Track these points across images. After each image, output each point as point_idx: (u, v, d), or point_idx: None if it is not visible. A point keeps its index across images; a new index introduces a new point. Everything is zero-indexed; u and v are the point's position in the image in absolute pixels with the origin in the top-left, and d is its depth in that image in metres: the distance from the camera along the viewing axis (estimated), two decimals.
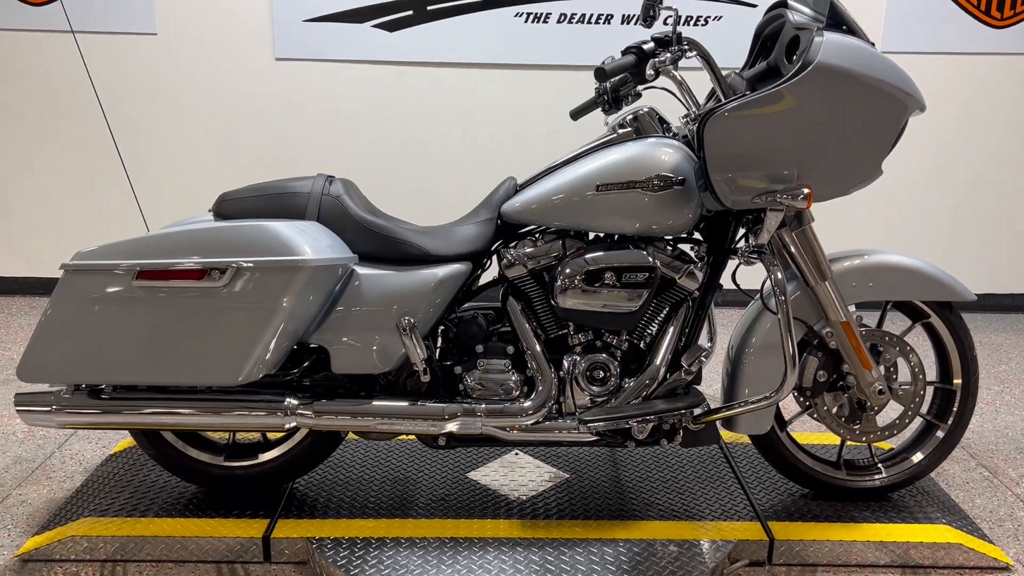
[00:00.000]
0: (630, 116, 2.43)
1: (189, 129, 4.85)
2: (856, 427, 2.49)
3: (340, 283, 2.31)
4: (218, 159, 4.90)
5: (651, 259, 2.30)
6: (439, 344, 2.48)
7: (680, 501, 2.57)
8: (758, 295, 2.57)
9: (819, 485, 2.56)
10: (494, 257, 2.47)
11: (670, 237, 2.43)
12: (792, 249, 2.37)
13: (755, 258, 2.30)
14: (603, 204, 2.29)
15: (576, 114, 2.64)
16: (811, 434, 3.07)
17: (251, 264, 2.14)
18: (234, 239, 2.16)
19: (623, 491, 2.62)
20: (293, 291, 2.16)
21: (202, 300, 2.16)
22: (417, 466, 2.77)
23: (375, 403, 2.35)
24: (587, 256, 2.31)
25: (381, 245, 2.35)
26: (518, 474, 2.72)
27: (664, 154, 2.27)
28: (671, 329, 2.38)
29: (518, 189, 2.43)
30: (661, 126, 2.43)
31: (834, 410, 2.49)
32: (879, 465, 2.58)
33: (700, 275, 2.36)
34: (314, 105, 4.81)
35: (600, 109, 2.56)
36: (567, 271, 2.30)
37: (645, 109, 2.40)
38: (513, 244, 2.43)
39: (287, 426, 2.33)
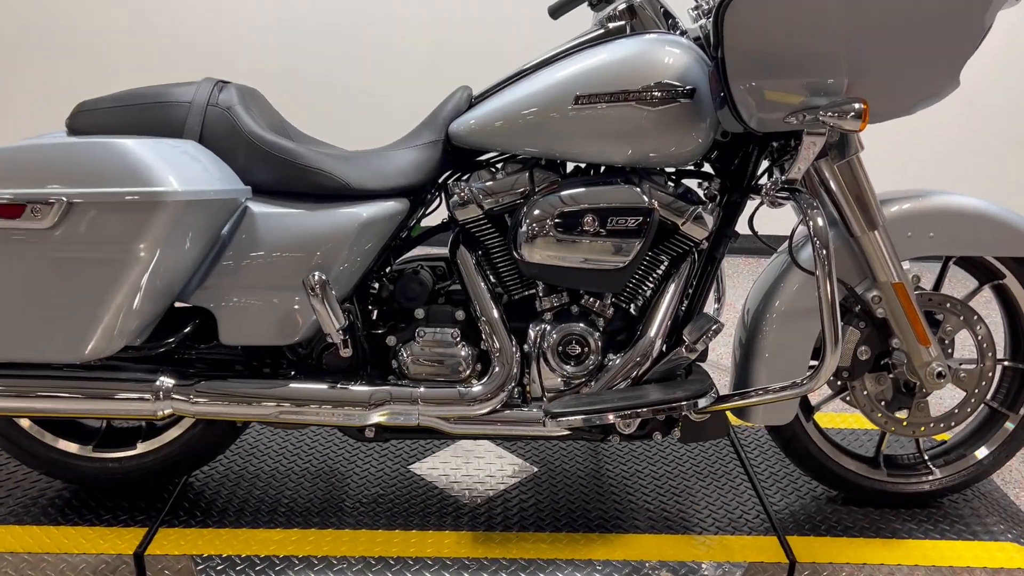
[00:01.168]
0: (623, 6, 1.82)
1: (47, 30, 4.12)
2: (903, 417, 1.95)
3: (227, 225, 1.72)
4: (89, 66, 4.14)
5: (647, 198, 1.71)
6: (369, 308, 1.90)
7: (676, 506, 2.03)
8: (784, 246, 1.99)
9: (852, 487, 2.03)
10: (440, 193, 1.89)
11: (672, 169, 1.84)
12: (833, 186, 1.78)
13: (784, 198, 1.72)
14: (584, 123, 1.70)
15: (556, 10, 2.04)
16: (832, 415, 2.52)
17: (86, 197, 1.54)
18: (65, 162, 1.55)
19: (604, 492, 2.08)
20: (152, 236, 1.57)
21: (24, 247, 1.57)
22: (346, 456, 2.21)
23: (277, 386, 1.78)
24: (562, 193, 1.72)
25: (285, 175, 1.75)
26: (474, 467, 2.17)
27: (667, 54, 1.67)
28: (670, 291, 1.81)
29: (473, 102, 1.83)
30: (665, 21, 1.82)
31: (876, 395, 1.93)
32: (929, 463, 2.04)
33: (710, 220, 1.78)
34: None
35: (587, 3, 1.96)
36: (535, 213, 1.72)
37: None
38: (465, 176, 1.85)
39: (159, 413, 1.76)
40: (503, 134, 1.75)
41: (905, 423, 1.95)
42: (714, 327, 1.73)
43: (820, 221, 1.65)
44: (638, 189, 1.72)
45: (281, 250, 1.72)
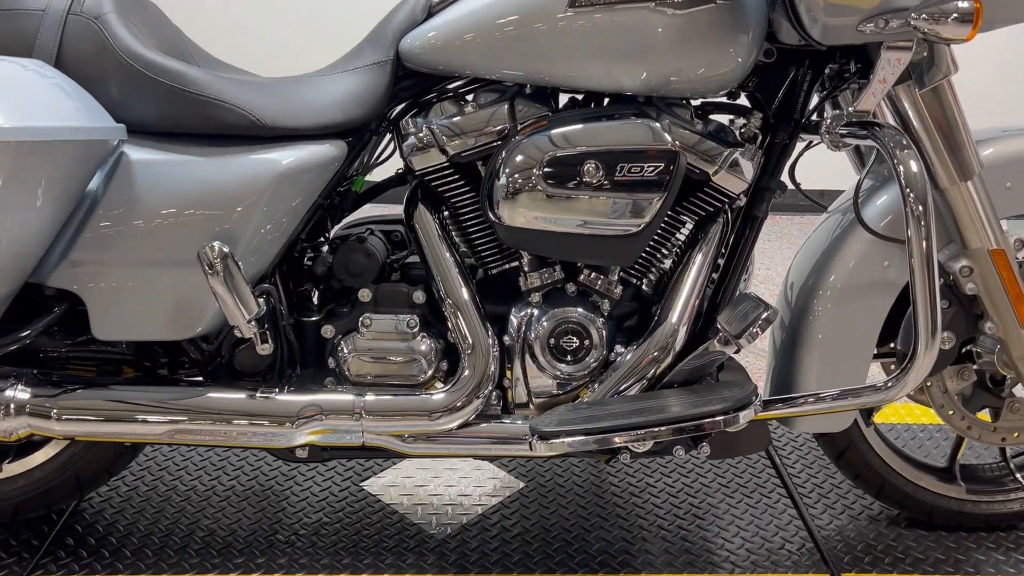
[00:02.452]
0: None
1: None
2: (994, 422, 1.52)
3: (95, 179, 1.26)
4: None
5: (669, 137, 1.26)
6: (299, 288, 1.45)
7: (699, 534, 1.60)
8: (838, 202, 1.56)
9: (921, 507, 1.60)
10: (391, 133, 1.43)
11: (698, 101, 1.39)
12: (914, 122, 1.34)
13: (855, 136, 1.28)
14: (584, 34, 1.25)
15: None
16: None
17: None
18: None
19: (608, 515, 1.64)
20: None
21: None
22: (283, 472, 1.77)
23: (172, 395, 1.33)
24: (554, 132, 1.27)
25: (174, 109, 1.28)
26: (444, 483, 1.73)
27: None
28: (697, 262, 1.36)
29: (434, 9, 1.36)
30: None
31: (957, 392, 1.51)
32: (1018, 475, 1.62)
33: (749, 167, 1.34)
34: None
35: None
36: (518, 160, 1.27)
37: None
38: (423, 110, 1.39)
39: (12, 435, 1.31)
40: (473, 52, 1.29)
41: (994, 428, 1.52)
42: (764, 315, 1.27)
43: (914, 166, 1.19)
44: (657, 125, 1.26)
45: (169, 212, 1.26)
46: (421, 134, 1.33)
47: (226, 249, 1.22)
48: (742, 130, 1.38)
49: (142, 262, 1.27)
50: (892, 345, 1.51)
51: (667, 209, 1.28)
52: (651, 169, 1.24)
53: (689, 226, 1.39)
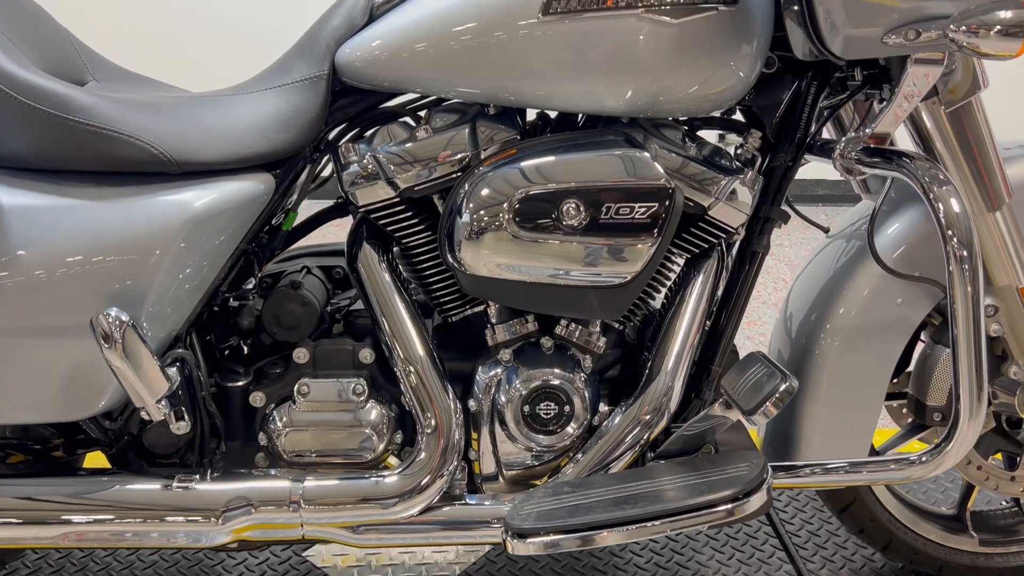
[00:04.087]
0: None
1: None
2: (1011, 471, 1.37)
3: None
4: None
5: (662, 171, 1.06)
6: (221, 346, 1.21)
7: None
8: (845, 227, 1.39)
9: (929, 561, 1.45)
10: (328, 158, 1.20)
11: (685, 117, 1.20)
12: (937, 144, 1.16)
13: (873, 165, 1.09)
14: (559, 46, 1.04)
15: None
16: None
17: None
18: None
19: (582, 571, 1.46)
20: None
21: None
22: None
23: (65, 486, 1.09)
24: (525, 164, 1.06)
25: (58, 141, 1.04)
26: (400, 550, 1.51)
27: None
28: (690, 306, 1.17)
29: (374, 13, 1.14)
30: None
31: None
32: None
33: (749, 196, 1.15)
34: None
35: None
36: (482, 195, 1.05)
37: None
38: (366, 132, 1.16)
39: None
40: (426, 65, 1.07)
41: (1012, 477, 1.37)
42: (782, 387, 1.07)
43: (956, 205, 1.01)
44: (648, 156, 1.05)
45: (52, 269, 1.02)
46: (365, 163, 1.11)
47: (124, 317, 0.98)
48: (739, 151, 1.19)
49: (21, 330, 1.03)
50: (895, 380, 1.35)
51: (662, 255, 1.08)
52: (643, 210, 1.04)
53: (680, 264, 1.20)
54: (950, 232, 1.01)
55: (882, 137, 1.11)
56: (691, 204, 1.13)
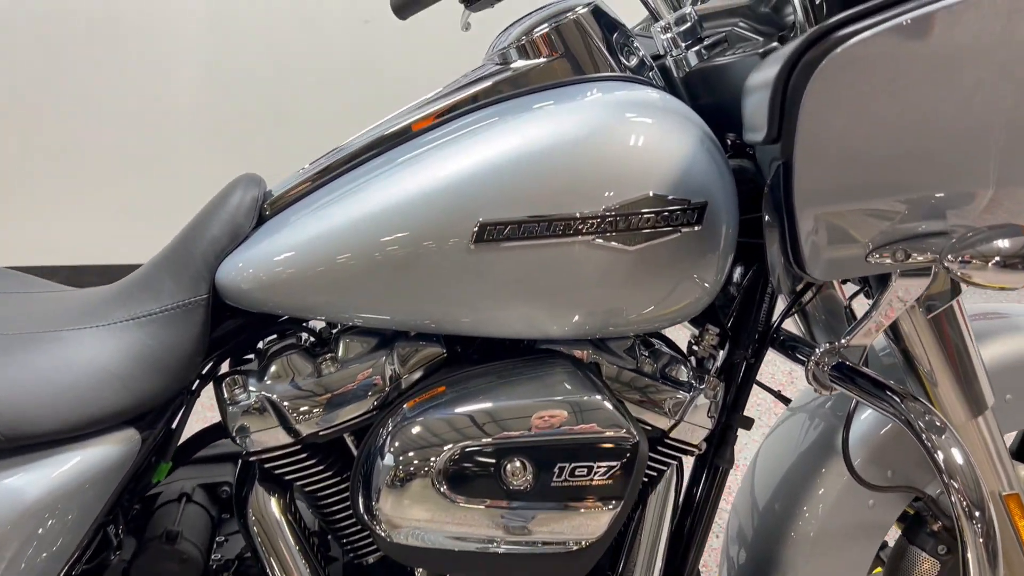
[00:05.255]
0: (542, 28, 0.97)
1: None
2: None
3: None
4: None
5: (623, 419, 0.89)
6: None
7: None
8: (805, 399, 1.26)
9: None
10: (210, 386, 0.99)
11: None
12: (915, 350, 1.04)
13: (845, 385, 0.96)
14: (494, 275, 0.86)
15: (402, 6, 1.20)
16: None
17: None
18: None
19: None
20: None
21: None
22: None
23: None
24: (456, 413, 0.87)
25: None
26: None
27: (656, 136, 0.86)
28: (648, 533, 1.01)
29: (263, 216, 0.94)
30: (617, 51, 0.99)
31: None
32: None
33: (712, 407, 0.99)
34: None
35: None
36: (404, 452, 0.86)
37: (579, 8, 0.97)
38: (257, 360, 0.96)
39: None
40: (333, 289, 0.88)
41: None
42: None
43: (959, 456, 0.88)
44: (607, 403, 0.88)
45: None
46: (256, 403, 0.90)
47: None
48: (694, 347, 1.04)
49: None
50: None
51: (624, 518, 0.90)
52: (603, 469, 0.87)
53: (638, 499, 1.04)
54: (955, 484, 0.88)
55: (858, 350, 0.97)
56: (649, 428, 0.97)
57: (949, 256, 0.83)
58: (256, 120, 3.13)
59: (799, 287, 1.04)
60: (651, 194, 0.84)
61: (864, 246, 0.86)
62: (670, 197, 0.84)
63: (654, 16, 1.05)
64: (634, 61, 1.00)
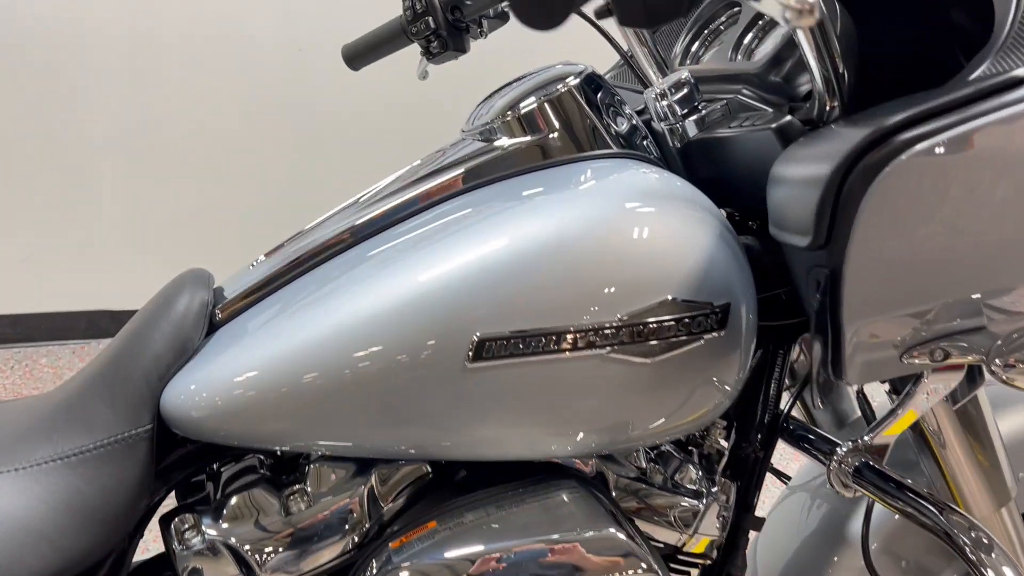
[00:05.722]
0: (530, 102, 0.86)
1: None
2: None
3: None
4: None
5: (647, 553, 0.78)
6: None
7: None
8: (806, 478, 1.19)
9: None
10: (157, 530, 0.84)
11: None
12: (944, 445, 0.96)
13: (873, 491, 0.87)
14: (493, 395, 0.74)
15: (354, 57, 1.08)
16: None
17: None
18: None
19: None
20: None
21: None
22: None
23: None
24: (453, 557, 0.75)
25: None
26: None
27: (668, 228, 0.75)
28: None
29: (215, 318, 0.80)
30: (605, 118, 0.89)
31: None
32: None
33: (724, 511, 0.90)
34: None
35: (421, 52, 1.04)
36: None
37: (570, 79, 0.86)
38: (213, 502, 0.82)
39: None
40: (298, 417, 0.75)
41: None
42: None
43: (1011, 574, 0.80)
44: (623, 537, 0.77)
45: None
46: (213, 549, 0.77)
47: None
48: (701, 442, 0.94)
49: None
50: None
51: None
52: None
53: None
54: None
55: (882, 449, 0.89)
56: (661, 546, 0.87)
57: (997, 360, 0.75)
58: (182, 151, 2.94)
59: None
60: (670, 298, 0.73)
61: (899, 346, 0.78)
62: (691, 301, 0.74)
63: (640, 80, 0.95)
64: (624, 126, 0.90)
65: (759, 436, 0.94)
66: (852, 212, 0.62)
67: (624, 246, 0.73)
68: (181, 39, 2.84)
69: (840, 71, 0.74)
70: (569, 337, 0.72)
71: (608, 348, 0.73)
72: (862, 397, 1.02)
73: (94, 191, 2.96)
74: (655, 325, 0.73)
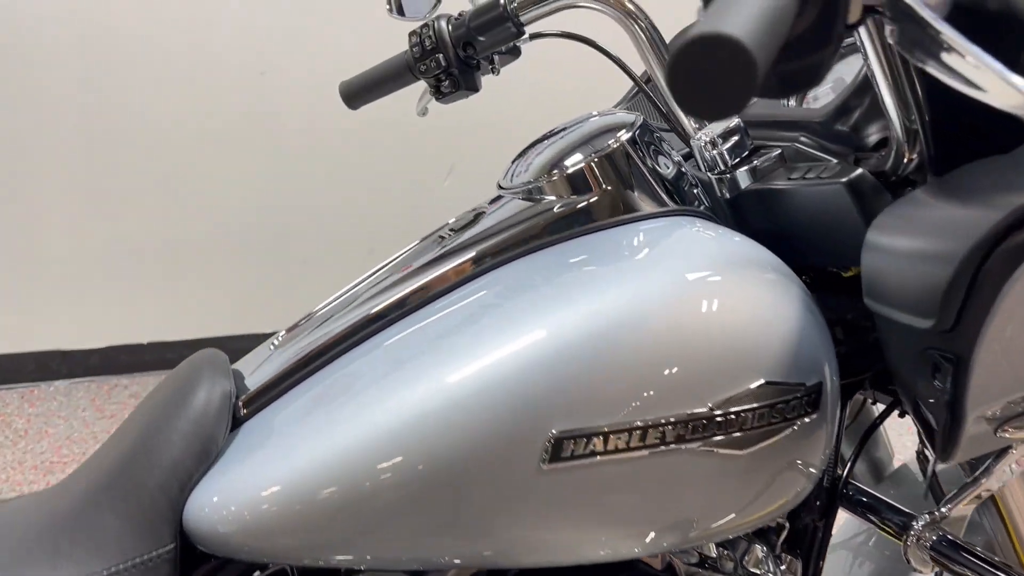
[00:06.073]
0: (577, 160, 0.79)
1: None
2: None
3: None
4: None
5: None
6: None
7: None
8: (847, 534, 1.12)
9: None
10: None
11: None
12: (1013, 510, 0.91)
13: (953, 569, 0.81)
14: (567, 499, 0.66)
15: (353, 96, 0.99)
16: None
17: None
18: None
19: None
20: None
21: None
22: None
23: None
24: None
25: None
26: None
27: (753, 301, 0.68)
28: None
29: (239, 413, 0.70)
30: (658, 171, 0.81)
31: None
32: None
33: None
34: None
35: (428, 91, 0.96)
36: None
37: (622, 133, 0.79)
38: None
39: None
40: (342, 531, 0.65)
41: None
42: None
43: None
44: None
45: None
46: None
47: None
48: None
49: None
50: None
51: None
52: None
53: None
54: None
55: (959, 522, 0.83)
56: None
57: None
58: (134, 183, 2.79)
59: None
60: (763, 382, 0.66)
61: (995, 420, 0.72)
62: (785, 383, 0.67)
63: (679, 134, 0.88)
64: (671, 170, 0.82)
65: (819, 504, 0.88)
66: (991, 296, 0.56)
67: (708, 325, 0.66)
68: (138, 65, 2.69)
69: (926, 120, 0.68)
70: (657, 431, 0.64)
71: (699, 442, 0.65)
72: (922, 458, 0.96)
73: (42, 224, 2.79)
74: (749, 413, 0.65)
